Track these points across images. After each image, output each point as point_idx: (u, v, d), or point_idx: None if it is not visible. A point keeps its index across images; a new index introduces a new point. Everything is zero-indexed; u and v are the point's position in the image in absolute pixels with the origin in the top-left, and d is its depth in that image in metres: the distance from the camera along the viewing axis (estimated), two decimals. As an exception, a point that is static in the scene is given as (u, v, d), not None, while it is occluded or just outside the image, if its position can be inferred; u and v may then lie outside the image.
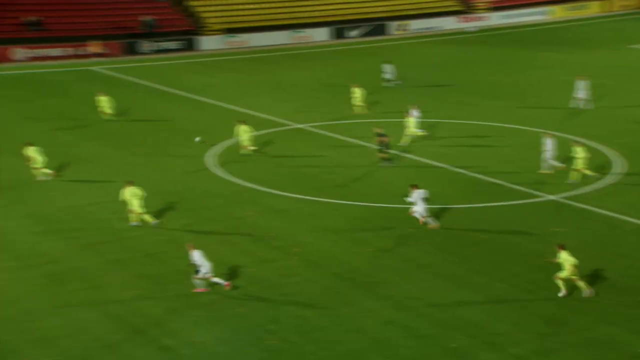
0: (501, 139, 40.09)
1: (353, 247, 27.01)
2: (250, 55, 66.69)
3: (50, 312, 22.45)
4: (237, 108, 46.59)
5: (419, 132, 39.00)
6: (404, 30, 78.25)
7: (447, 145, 38.75)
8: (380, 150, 35.28)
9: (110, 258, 25.98)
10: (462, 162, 35.95)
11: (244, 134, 36.84)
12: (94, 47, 61.95)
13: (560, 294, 23.00)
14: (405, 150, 37.61)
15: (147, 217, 28.56)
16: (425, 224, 28.36)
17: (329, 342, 20.96)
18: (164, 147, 38.61)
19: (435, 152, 37.51)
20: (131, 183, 28.69)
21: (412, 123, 38.54)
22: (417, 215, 28.48)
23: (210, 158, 36.76)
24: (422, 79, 55.61)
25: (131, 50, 64.62)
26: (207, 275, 23.68)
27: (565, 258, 22.85)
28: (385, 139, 35.15)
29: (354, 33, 75.69)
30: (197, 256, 23.67)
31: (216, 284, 23.86)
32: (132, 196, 28.27)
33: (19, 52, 59.63)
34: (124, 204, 28.56)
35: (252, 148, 36.89)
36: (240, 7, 73.76)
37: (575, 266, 22.86)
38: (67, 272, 24.98)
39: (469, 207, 30.66)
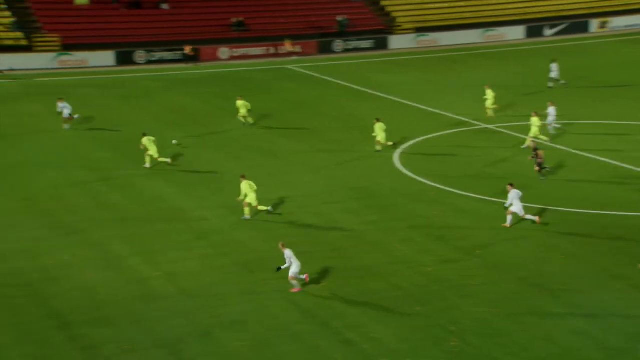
0: None
1: (539, 252, 25.96)
2: (440, 54, 65.97)
3: (241, 298, 23.35)
4: (425, 107, 46.27)
5: (550, 131, 37.75)
6: (606, 28, 74.05)
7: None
8: (538, 165, 33.14)
9: (297, 250, 26.55)
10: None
11: (380, 131, 36.90)
12: (290, 46, 63.89)
13: None
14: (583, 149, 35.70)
15: (262, 207, 29.19)
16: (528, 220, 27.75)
17: (514, 348, 20.26)
18: (353, 143, 39.04)
19: (630, 157, 35.25)
20: (244, 177, 29.27)
21: (537, 123, 36.64)
22: (511, 215, 27.77)
23: (397, 156, 36.73)
24: (619, 79, 52.47)
25: (325, 49, 65.97)
26: (295, 275, 23.57)
27: None
28: (541, 153, 33.14)
29: (550, 31, 72.71)
30: (288, 255, 23.57)
31: (300, 279, 23.79)
32: (249, 190, 28.85)
33: (224, 51, 62.64)
34: (245, 197, 28.90)
35: (390, 143, 37.08)
36: (432, 6, 73.16)
37: None
38: (257, 261, 25.87)
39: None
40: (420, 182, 33.15)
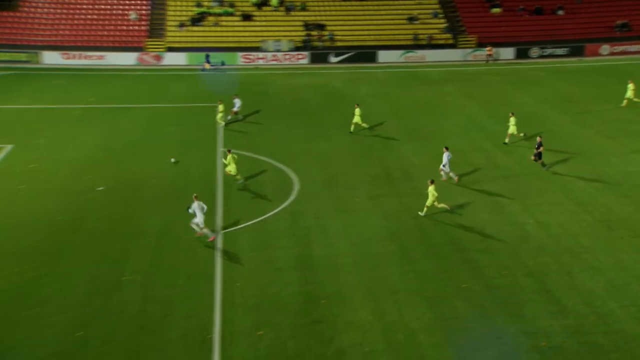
0: None
1: None
2: None
3: (599, 249, 21.99)
4: None
5: None
6: None
7: None
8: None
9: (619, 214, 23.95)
10: None
11: (512, 125, 32.59)
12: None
13: (421, 213, 24.28)
14: None
15: (239, 177, 27.48)
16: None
17: None
18: None
19: None
20: (229, 151, 27.68)
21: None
22: (442, 172, 27.48)
23: None
24: None
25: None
26: (196, 225, 21.79)
27: (430, 191, 23.93)
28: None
29: None
30: (195, 207, 21.78)
31: (204, 235, 22.05)
32: (231, 161, 27.27)
33: (605, 48, 57.63)
34: (225, 166, 27.38)
35: (521, 135, 33.51)
36: None
37: (435, 197, 23.81)
38: (617, 221, 24.06)
39: None
40: None
